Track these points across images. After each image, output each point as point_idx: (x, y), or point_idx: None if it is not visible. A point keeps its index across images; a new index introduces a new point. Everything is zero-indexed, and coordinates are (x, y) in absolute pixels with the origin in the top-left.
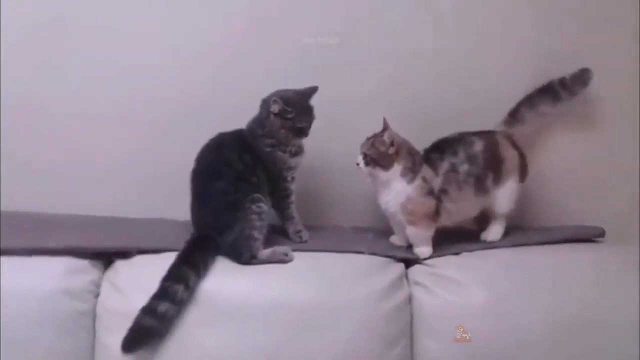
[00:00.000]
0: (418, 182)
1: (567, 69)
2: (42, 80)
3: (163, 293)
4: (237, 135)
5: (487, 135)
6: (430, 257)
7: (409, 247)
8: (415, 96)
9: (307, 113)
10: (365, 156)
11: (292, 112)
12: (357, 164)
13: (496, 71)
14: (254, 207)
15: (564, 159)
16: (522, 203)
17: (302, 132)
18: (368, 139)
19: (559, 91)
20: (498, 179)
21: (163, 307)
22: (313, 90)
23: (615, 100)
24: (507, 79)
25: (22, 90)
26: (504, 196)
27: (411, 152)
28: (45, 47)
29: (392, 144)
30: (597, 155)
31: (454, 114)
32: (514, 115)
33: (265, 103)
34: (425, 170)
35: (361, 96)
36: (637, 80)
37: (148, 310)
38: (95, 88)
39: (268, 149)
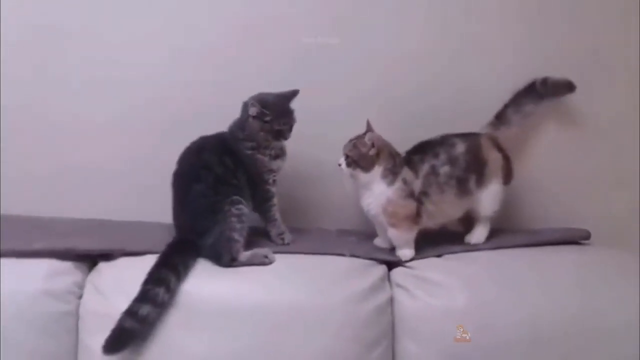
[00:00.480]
0: (398, 184)
1: (563, 70)
2: (41, 85)
3: (144, 296)
4: (219, 138)
5: (470, 138)
6: (412, 259)
7: (393, 249)
8: (415, 96)
9: (285, 115)
10: (347, 157)
11: (270, 114)
12: (339, 165)
13: (496, 71)
14: (233, 209)
15: (554, 160)
16: (511, 205)
17: (281, 134)
18: (350, 140)
19: (541, 90)
20: (481, 181)
21: (144, 310)
22: (293, 93)
23: (611, 101)
24: (508, 79)
25: (21, 95)
26: (488, 198)
27: (392, 154)
28: (44, 53)
29: (372, 145)
30: (589, 157)
31: (454, 113)
32: (499, 117)
33: (245, 106)
34: (406, 172)
35: (360, 96)
36: (635, 79)
37: (130, 313)
38: (94, 93)
39: (248, 152)
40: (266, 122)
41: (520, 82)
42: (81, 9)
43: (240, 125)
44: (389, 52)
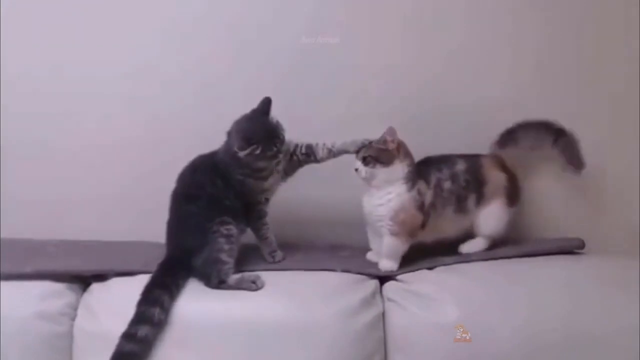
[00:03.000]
0: (414, 193)
1: (562, 73)
2: (36, 115)
3: (141, 317)
4: (213, 158)
5: (471, 157)
6: (402, 273)
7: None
8: (417, 97)
9: (273, 136)
10: (364, 159)
11: (258, 146)
12: (356, 170)
13: (498, 76)
14: (222, 229)
15: (551, 163)
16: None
17: (276, 156)
18: (357, 152)
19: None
20: (481, 201)
21: (143, 331)
22: (266, 104)
23: (610, 103)
24: (510, 83)
25: (18, 123)
26: (487, 218)
27: (409, 154)
28: (41, 84)
29: (392, 141)
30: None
31: (455, 114)
32: (509, 134)
33: (230, 135)
34: (421, 183)
35: (361, 97)
36: (635, 79)
37: (128, 335)
38: (86, 118)
39: (240, 177)
40: (258, 154)
41: (522, 85)
42: (78, 41)
43: (227, 152)
44: (389, 53)
